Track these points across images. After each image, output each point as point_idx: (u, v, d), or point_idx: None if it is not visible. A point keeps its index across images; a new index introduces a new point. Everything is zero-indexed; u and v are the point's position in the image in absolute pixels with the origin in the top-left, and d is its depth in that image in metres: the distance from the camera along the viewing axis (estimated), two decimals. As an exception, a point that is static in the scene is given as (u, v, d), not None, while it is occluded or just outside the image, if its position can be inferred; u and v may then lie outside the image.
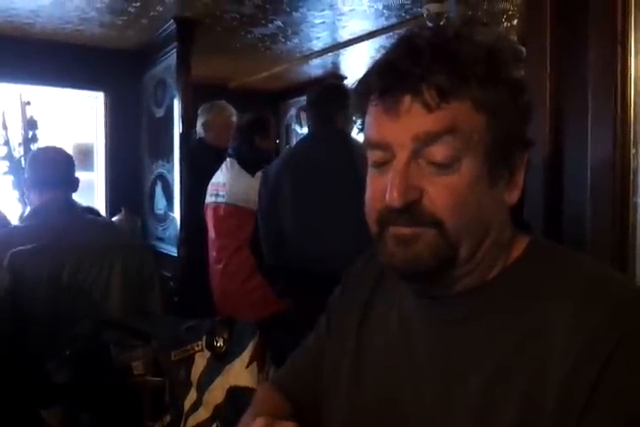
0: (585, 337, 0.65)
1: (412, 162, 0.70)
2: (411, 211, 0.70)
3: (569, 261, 0.75)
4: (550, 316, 0.68)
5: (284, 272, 2.36)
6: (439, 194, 0.69)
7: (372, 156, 0.75)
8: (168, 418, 1.70)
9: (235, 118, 3.27)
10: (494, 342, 0.72)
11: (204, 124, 3.27)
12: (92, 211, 2.92)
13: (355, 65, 4.09)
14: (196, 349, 1.71)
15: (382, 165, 0.73)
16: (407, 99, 0.70)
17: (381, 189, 0.72)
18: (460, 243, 0.71)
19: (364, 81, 0.76)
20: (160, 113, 3.61)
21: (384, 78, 0.72)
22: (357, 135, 2.64)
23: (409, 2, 2.97)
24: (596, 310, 0.66)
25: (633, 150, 1.28)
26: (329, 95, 2.40)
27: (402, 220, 0.71)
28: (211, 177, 2.89)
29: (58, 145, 2.42)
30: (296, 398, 0.95)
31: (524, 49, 1.39)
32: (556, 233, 1.38)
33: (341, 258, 2.12)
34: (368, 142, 0.76)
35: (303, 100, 4.75)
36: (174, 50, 3.37)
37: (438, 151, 0.69)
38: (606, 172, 1.31)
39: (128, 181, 3.79)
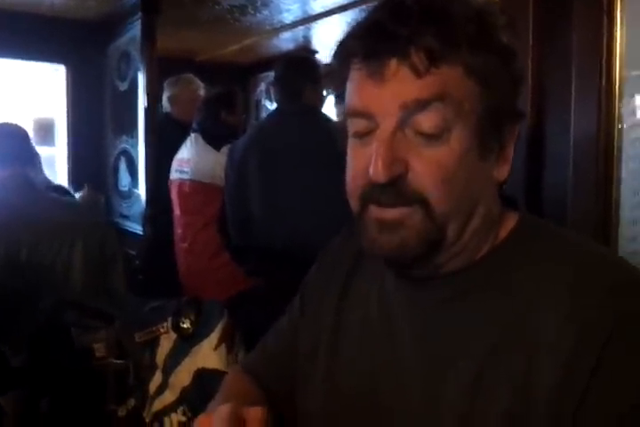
0: (581, 322, 0.61)
1: (398, 132, 0.65)
2: (396, 186, 0.65)
3: (561, 239, 0.71)
4: (542, 298, 0.65)
5: (252, 251, 2.31)
6: (426, 168, 0.65)
7: (354, 125, 0.69)
8: (132, 402, 1.66)
9: (202, 92, 3.19)
10: (483, 323, 0.68)
11: (170, 98, 3.19)
12: (61, 189, 2.83)
13: (326, 39, 3.99)
14: (162, 330, 1.66)
15: (365, 135, 0.68)
16: (393, 62, 0.64)
17: (364, 163, 0.67)
18: (447, 223, 0.67)
19: (345, 43, 0.70)
20: (124, 86, 3.47)
21: (368, 40, 0.66)
22: (330, 111, 2.58)
23: (382, -26, 2.88)
24: (591, 294, 0.63)
25: (618, 126, 1.25)
26: (297, 69, 2.30)
27: (385, 196, 0.66)
28: (176, 152, 2.82)
29: (16, 120, 2.34)
30: (268, 382, 0.91)
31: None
32: (536, 210, 1.34)
33: (311, 239, 2.08)
34: (349, 111, 0.70)
35: (272, 74, 4.69)
36: (139, 21, 3.21)
37: (427, 120, 0.64)
38: (590, 148, 1.27)
39: (91, 157, 3.66)
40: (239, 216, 2.31)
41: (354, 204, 0.71)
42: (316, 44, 4.12)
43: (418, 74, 0.63)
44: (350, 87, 0.70)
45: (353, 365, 0.78)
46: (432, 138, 0.64)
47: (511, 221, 0.73)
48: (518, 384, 0.63)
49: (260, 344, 0.98)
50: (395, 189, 0.65)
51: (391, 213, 0.66)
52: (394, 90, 0.64)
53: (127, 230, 3.29)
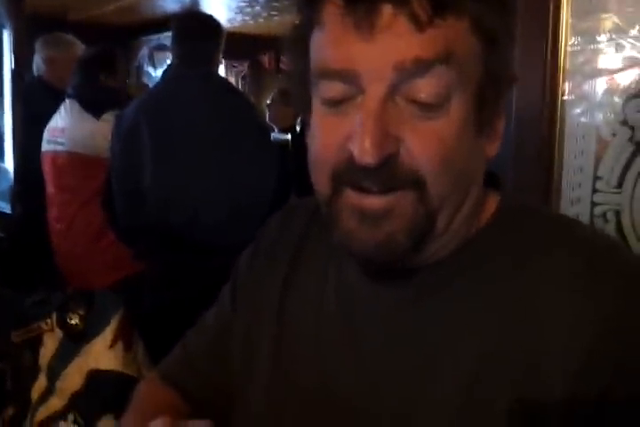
0: (594, 322, 0.54)
1: (388, 100, 0.52)
2: (385, 168, 0.53)
3: (550, 220, 0.65)
4: (540, 290, 0.57)
5: (142, 231, 2.12)
6: (422, 143, 0.54)
7: (325, 90, 0.55)
8: (11, 411, 1.46)
9: (82, 55, 2.89)
10: (472, 319, 0.58)
11: (45, 60, 2.85)
12: None
13: (216, 2, 3.76)
14: (44, 328, 1.48)
15: (341, 102, 0.55)
16: (388, 9, 0.51)
17: (339, 137, 0.55)
18: (440, 208, 0.57)
19: None
20: (-15, 45, 3.12)
21: None
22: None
23: None
24: (600, 279, 0.56)
25: (560, 102, 1.20)
26: (206, 29, 2.10)
27: (370, 181, 0.55)
28: (49, 122, 2.54)
29: None
30: (191, 392, 0.79)
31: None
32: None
33: (212, 217, 1.95)
34: (319, 70, 0.56)
35: (157, 38, 4.40)
36: (3, -30, 2.91)
37: (427, 86, 0.52)
38: (533, 121, 1.21)
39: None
40: (127, 190, 2.10)
41: (321, 187, 0.59)
42: (205, 6, 3.88)
43: (419, 26, 0.51)
44: (322, 39, 0.55)
45: (306, 365, 0.68)
46: (430, 108, 0.53)
47: (493, 201, 0.65)
48: (521, 390, 0.55)
49: (179, 346, 0.84)
50: (384, 171, 0.54)
51: (377, 202, 0.55)
52: (387, 45, 0.52)
53: (-8, 209, 2.98)
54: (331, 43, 0.54)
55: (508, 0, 0.57)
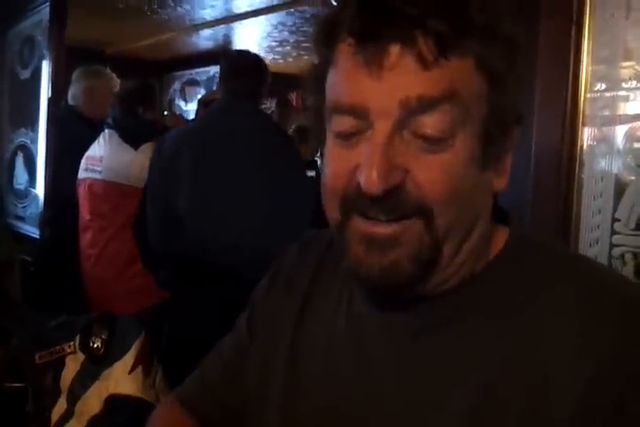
0: (597, 351, 0.55)
1: (395, 134, 0.55)
2: (392, 198, 0.56)
3: (557, 255, 0.65)
4: (548, 321, 0.58)
5: (171, 259, 2.14)
6: (429, 175, 0.56)
7: (338, 124, 0.58)
8: None
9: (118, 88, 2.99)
10: (479, 352, 0.59)
11: (83, 91, 2.95)
12: None
13: (248, 41, 3.87)
14: (68, 350, 1.48)
15: (351, 136, 0.57)
16: (396, 48, 0.54)
17: (348, 168, 0.58)
18: (446, 239, 0.59)
19: (334, 18, 0.58)
20: (26, 75, 3.20)
21: (367, 17, 0.54)
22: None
23: (315, -24, 2.81)
24: (603, 317, 0.56)
25: (580, 145, 1.21)
26: (256, 67, 2.19)
27: (377, 209, 0.57)
28: (82, 150, 2.62)
29: None
30: (208, 416, 0.82)
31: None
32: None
33: (245, 249, 1.96)
34: (333, 106, 0.58)
35: (189, 73, 4.52)
36: (47, 3, 2.98)
37: (432, 122, 0.55)
38: (552, 163, 1.23)
39: (-18, 150, 3.35)
40: (162, 217, 2.12)
41: (332, 214, 0.61)
42: (237, 44, 3.99)
43: (424, 65, 0.54)
44: (336, 76, 0.59)
45: (319, 389, 0.69)
46: (435, 142, 0.56)
47: (502, 235, 0.66)
48: (526, 414, 0.56)
49: (196, 371, 0.86)
50: (391, 201, 0.56)
51: (383, 229, 0.57)
52: (395, 83, 0.54)
53: (22, 233, 3.01)
54: (343, 80, 0.57)
55: (513, 40, 0.59)
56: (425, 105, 0.54)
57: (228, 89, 2.16)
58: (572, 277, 0.61)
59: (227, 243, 1.98)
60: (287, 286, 0.78)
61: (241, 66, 2.18)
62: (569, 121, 1.21)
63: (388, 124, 0.55)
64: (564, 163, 1.22)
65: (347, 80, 0.57)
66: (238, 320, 0.84)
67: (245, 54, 2.33)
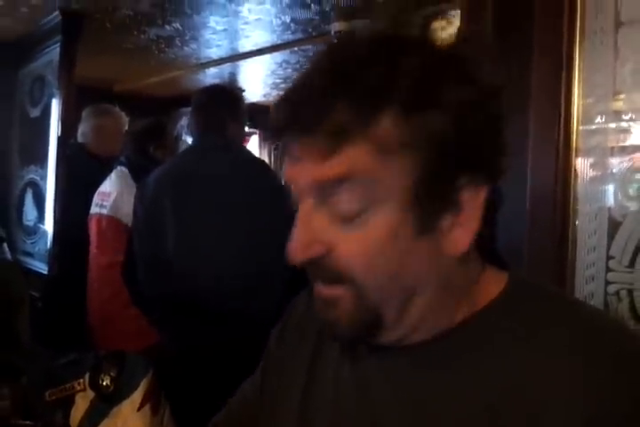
0: (593, 400, 0.55)
1: (317, 211, 0.60)
2: (320, 265, 0.61)
3: (554, 301, 0.66)
4: (537, 366, 0.59)
5: (161, 300, 2.08)
6: (347, 249, 0.60)
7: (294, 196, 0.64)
8: None
9: (126, 126, 3.03)
10: (471, 391, 0.61)
11: (92, 128, 2.98)
12: None
13: (253, 78, 3.96)
14: (77, 388, 1.46)
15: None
16: (300, 142, 0.59)
17: None
18: (381, 305, 0.62)
19: (273, 111, 0.64)
20: (35, 113, 3.29)
21: (278, 118, 0.61)
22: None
23: (317, 17, 2.89)
24: (597, 366, 0.57)
25: (573, 181, 1.24)
26: (221, 98, 2.10)
27: (313, 273, 0.64)
28: (90, 187, 2.64)
29: None
30: None
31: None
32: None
33: (232, 287, 1.93)
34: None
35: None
36: (57, 44, 3.07)
37: (339, 202, 0.59)
38: (547, 201, 1.26)
39: (-7, 187, 3.41)
40: (150, 258, 2.08)
41: None
42: (243, 81, 4.07)
43: (322, 156, 0.58)
44: None
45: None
46: (348, 220, 0.59)
47: (496, 283, 0.66)
48: None
49: (226, 406, 0.92)
50: (317, 270, 0.62)
51: (324, 291, 0.63)
52: (304, 170, 0.60)
53: (30, 269, 3.06)
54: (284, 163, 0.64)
55: (453, 102, 0.57)
56: (329, 187, 0.59)
57: (193, 125, 2.11)
58: (569, 321, 0.61)
59: (211, 283, 1.95)
60: (300, 329, 0.81)
61: (204, 100, 2.10)
62: (562, 157, 1.23)
63: (309, 202, 0.61)
64: (558, 200, 1.24)
65: (284, 163, 0.63)
66: (257, 369, 0.88)
67: (209, 88, 2.25)
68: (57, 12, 2.96)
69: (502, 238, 1.33)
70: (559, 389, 0.57)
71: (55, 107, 3.08)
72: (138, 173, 2.49)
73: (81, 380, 1.47)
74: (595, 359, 0.57)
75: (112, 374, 1.46)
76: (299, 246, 0.60)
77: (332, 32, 3.06)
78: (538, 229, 1.27)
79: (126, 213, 2.43)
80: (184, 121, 4.43)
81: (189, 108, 2.20)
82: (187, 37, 3.25)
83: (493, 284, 0.66)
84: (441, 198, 0.59)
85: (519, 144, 1.31)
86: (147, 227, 2.09)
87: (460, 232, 0.60)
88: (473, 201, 0.60)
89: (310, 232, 0.60)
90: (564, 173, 1.24)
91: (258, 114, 2.86)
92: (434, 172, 0.58)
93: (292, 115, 0.59)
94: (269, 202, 1.96)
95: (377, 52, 0.58)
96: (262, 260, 1.93)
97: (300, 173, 0.60)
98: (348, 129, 0.56)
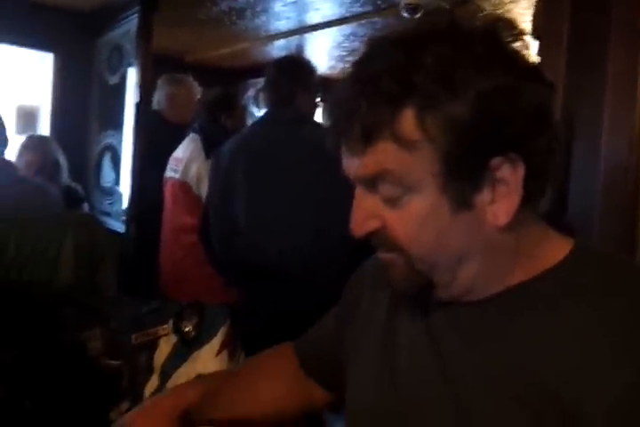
0: (632, 372, 0.59)
1: (368, 194, 0.69)
2: (377, 236, 0.70)
3: (615, 269, 0.68)
4: (584, 336, 0.62)
5: (234, 264, 2.21)
6: (395, 224, 0.68)
7: None
8: (126, 405, 1.59)
9: (199, 96, 3.12)
10: (522, 351, 0.65)
11: (167, 96, 3.08)
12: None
13: (320, 51, 4.00)
14: (162, 333, 1.61)
15: None
16: (343, 141, 0.68)
17: None
18: (431, 270, 0.70)
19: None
20: (113, 80, 3.41)
21: (329, 115, 0.71)
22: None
23: (387, -10, 2.91)
24: None
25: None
26: (290, 72, 2.13)
27: (373, 242, 0.72)
28: (163, 152, 2.75)
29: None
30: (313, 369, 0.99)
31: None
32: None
33: (299, 257, 2.05)
34: None
35: (262, 81, 4.64)
36: (135, 15, 3.16)
37: (382, 190, 0.68)
38: (620, 176, 1.29)
39: (73, 149, 3.53)
40: (223, 228, 2.18)
41: None
42: (310, 54, 4.11)
43: (356, 155, 0.67)
44: None
45: (405, 380, 0.77)
46: (391, 202, 0.67)
47: (560, 249, 0.69)
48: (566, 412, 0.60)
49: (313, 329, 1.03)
50: (376, 240, 0.71)
51: (384, 256, 0.73)
52: (350, 166, 0.69)
53: (108, 228, 3.20)
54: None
55: (479, 93, 0.61)
56: (369, 180, 0.68)
57: (265, 97, 2.18)
58: (631, 293, 0.64)
59: (279, 249, 2.04)
60: (375, 283, 0.88)
61: (275, 72, 2.14)
62: (637, 132, 1.27)
63: (361, 187, 0.70)
64: (631, 175, 1.28)
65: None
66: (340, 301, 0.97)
67: (280, 60, 2.27)
68: (136, -17, 3.04)
69: (576, 214, 1.38)
70: (602, 356, 0.60)
71: (132, 74, 3.17)
72: (209, 141, 2.58)
73: (165, 326, 1.60)
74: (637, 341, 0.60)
75: (194, 321, 1.59)
76: (356, 223, 0.70)
77: (402, 4, 3.06)
78: (610, 203, 1.31)
79: (195, 178, 2.55)
80: (251, 92, 4.54)
81: (257, 80, 2.27)
82: (257, 9, 3.30)
83: (557, 249, 0.69)
84: (470, 179, 0.64)
85: (593, 126, 1.34)
86: (220, 197, 2.19)
87: (500, 206, 0.65)
88: (511, 177, 0.64)
89: (363, 212, 0.69)
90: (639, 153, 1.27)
91: (323, 86, 2.92)
92: (458, 158, 0.63)
93: (338, 112, 0.68)
94: (337, 176, 2.01)
95: (395, 52, 0.64)
96: (329, 232, 1.98)
97: (349, 169, 0.69)
98: (372, 130, 0.64)
